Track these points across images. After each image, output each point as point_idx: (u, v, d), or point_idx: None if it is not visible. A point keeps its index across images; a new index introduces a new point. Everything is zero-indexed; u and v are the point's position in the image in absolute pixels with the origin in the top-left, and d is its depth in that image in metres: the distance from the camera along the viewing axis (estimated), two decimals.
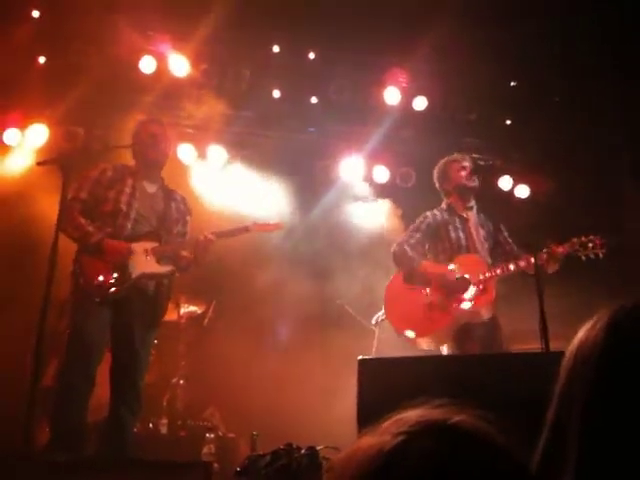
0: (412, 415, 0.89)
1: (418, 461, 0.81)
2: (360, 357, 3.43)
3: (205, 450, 4.57)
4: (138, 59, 6.50)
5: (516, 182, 7.59)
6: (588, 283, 5.39)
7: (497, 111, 7.35)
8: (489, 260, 5.02)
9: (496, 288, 4.84)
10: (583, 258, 4.72)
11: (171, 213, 4.68)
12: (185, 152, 7.05)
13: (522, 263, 4.76)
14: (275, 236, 6.78)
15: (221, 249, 5.80)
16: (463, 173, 5.18)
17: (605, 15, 5.87)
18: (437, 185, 5.38)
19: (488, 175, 7.49)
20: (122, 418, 4.30)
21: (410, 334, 4.84)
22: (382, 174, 7.56)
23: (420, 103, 7.10)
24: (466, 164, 5.23)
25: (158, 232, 4.55)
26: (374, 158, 7.49)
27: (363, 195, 7.53)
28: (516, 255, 4.94)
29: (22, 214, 6.21)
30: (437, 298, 4.86)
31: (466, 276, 4.83)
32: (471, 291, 4.79)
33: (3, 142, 6.64)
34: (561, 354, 1.18)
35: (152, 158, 4.70)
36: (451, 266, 4.91)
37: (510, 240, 5.19)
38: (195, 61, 6.64)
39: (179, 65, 6.56)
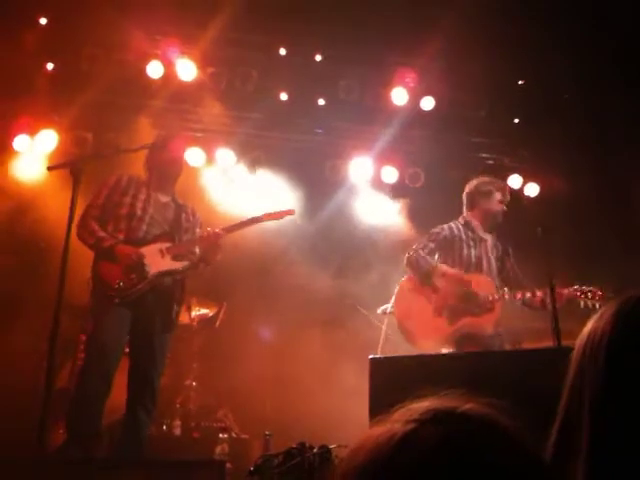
0: (421, 405, 0.89)
1: (431, 446, 0.81)
2: (371, 356, 3.44)
3: (218, 450, 4.59)
4: (146, 64, 6.53)
5: (526, 180, 7.58)
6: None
7: (505, 110, 7.34)
8: (497, 282, 5.12)
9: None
10: (582, 305, 4.84)
11: (181, 222, 4.75)
12: (194, 155, 7.07)
13: (539, 295, 4.87)
14: (284, 236, 6.82)
15: (231, 251, 5.83)
16: (501, 204, 5.28)
17: (615, 14, 5.86)
18: (466, 198, 5.41)
19: (497, 174, 7.56)
20: (139, 419, 4.35)
21: (411, 333, 4.94)
22: (391, 174, 7.56)
23: (428, 103, 7.09)
24: (507, 196, 5.32)
25: (172, 233, 4.62)
26: (382, 159, 7.50)
27: (372, 195, 7.53)
28: (520, 282, 5.07)
29: (34, 219, 6.27)
30: (445, 304, 4.95)
31: (480, 295, 4.92)
32: (479, 307, 4.90)
33: (13, 148, 6.68)
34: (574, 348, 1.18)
35: (168, 171, 4.79)
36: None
37: (515, 267, 5.28)
38: (203, 65, 6.67)
39: (187, 69, 6.59)
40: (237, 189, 7.13)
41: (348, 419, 4.73)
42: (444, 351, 4.89)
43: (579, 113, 6.81)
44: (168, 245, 4.53)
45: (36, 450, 3.50)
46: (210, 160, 7.15)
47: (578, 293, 4.82)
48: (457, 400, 0.90)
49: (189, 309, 6.22)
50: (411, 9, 5.99)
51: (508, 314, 5.34)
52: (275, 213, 4.88)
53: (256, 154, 7.27)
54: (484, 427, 0.85)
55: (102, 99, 6.47)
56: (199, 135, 7.16)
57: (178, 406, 5.86)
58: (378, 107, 7.13)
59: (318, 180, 7.41)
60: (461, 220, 5.32)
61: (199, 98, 6.86)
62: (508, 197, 5.35)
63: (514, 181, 7.59)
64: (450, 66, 6.92)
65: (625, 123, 6.72)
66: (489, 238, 5.29)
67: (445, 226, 5.27)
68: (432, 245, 5.15)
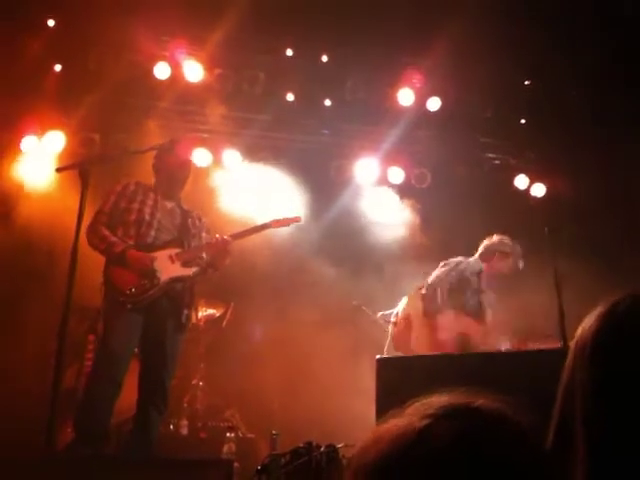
0: (436, 399, 0.90)
1: (447, 441, 0.82)
2: (378, 356, 3.45)
3: (225, 449, 4.60)
4: (153, 65, 6.56)
5: (532, 181, 7.58)
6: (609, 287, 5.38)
7: (512, 110, 7.33)
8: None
9: None
10: None
11: (189, 227, 4.78)
12: (201, 156, 7.10)
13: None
14: (291, 237, 6.83)
15: (238, 252, 5.85)
16: (511, 270, 5.52)
17: (620, 14, 5.86)
18: (484, 249, 5.61)
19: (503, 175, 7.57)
20: (150, 418, 4.38)
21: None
22: (397, 175, 7.57)
23: (434, 104, 7.10)
24: (519, 265, 5.52)
25: (181, 239, 4.64)
26: (389, 159, 7.50)
27: (379, 196, 7.54)
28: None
29: (42, 220, 6.29)
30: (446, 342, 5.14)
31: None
32: None
33: (21, 149, 6.72)
34: None
35: (176, 174, 4.81)
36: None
37: None
38: (209, 66, 6.69)
39: (194, 70, 6.61)
40: (243, 190, 7.14)
41: (354, 418, 4.76)
42: None
43: (585, 113, 6.80)
44: (178, 251, 4.55)
45: (44, 449, 3.53)
46: (217, 161, 7.16)
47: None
48: (470, 396, 0.91)
49: (196, 310, 6.24)
50: (417, 10, 5.99)
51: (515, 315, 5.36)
52: (283, 220, 4.94)
53: (263, 154, 7.28)
54: (498, 422, 0.86)
55: (110, 100, 6.50)
56: (206, 136, 7.18)
57: (185, 406, 5.89)
58: (384, 108, 7.14)
59: (324, 181, 7.42)
60: (477, 266, 5.48)
61: (206, 99, 6.89)
62: (520, 266, 5.53)
63: (520, 181, 7.58)
64: (456, 66, 6.93)
65: (631, 123, 6.71)
66: (490, 293, 5.51)
67: (464, 263, 5.44)
68: (453, 282, 5.30)
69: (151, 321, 4.45)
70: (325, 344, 5.97)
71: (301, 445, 3.56)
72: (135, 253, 4.41)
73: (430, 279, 5.34)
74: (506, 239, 5.65)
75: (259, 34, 6.56)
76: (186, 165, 4.92)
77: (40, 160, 6.71)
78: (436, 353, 5.09)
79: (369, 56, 6.86)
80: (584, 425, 1.06)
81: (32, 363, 5.55)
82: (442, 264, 5.46)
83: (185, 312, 4.60)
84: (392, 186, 7.63)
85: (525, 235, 6.06)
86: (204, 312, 6.38)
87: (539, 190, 7.53)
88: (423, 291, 5.30)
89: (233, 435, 4.79)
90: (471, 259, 5.53)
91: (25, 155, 6.75)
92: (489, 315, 5.35)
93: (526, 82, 7.15)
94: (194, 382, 6.07)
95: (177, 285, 4.53)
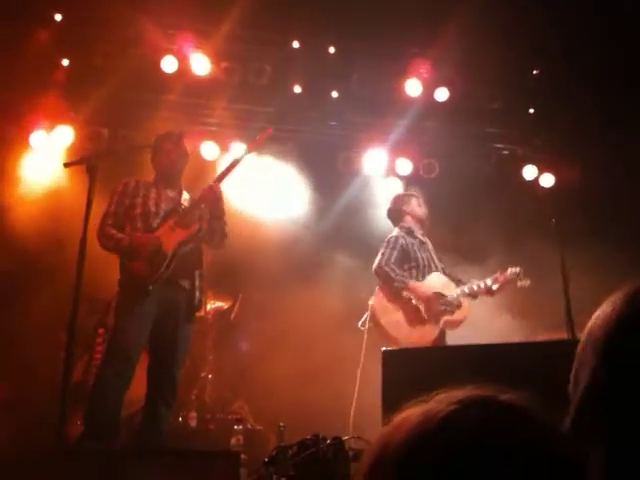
0: (460, 392, 0.90)
1: (473, 426, 0.82)
2: (384, 348, 3.46)
3: (233, 441, 4.62)
4: (160, 58, 6.56)
5: (541, 171, 7.55)
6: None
7: (520, 100, 7.30)
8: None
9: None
10: (518, 284, 5.39)
11: (182, 202, 4.82)
12: (208, 149, 7.11)
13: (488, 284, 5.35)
14: (300, 229, 6.84)
15: (247, 244, 5.87)
16: (420, 207, 5.82)
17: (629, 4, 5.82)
18: (391, 214, 5.92)
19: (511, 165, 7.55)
20: (158, 411, 4.41)
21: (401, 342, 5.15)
22: (405, 166, 7.56)
23: (442, 94, 7.07)
24: (421, 201, 5.85)
25: (175, 209, 4.68)
26: (397, 150, 7.49)
27: (387, 186, 7.53)
28: (456, 275, 5.59)
29: (51, 213, 6.34)
30: (426, 310, 5.27)
31: (448, 295, 5.32)
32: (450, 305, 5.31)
33: (30, 144, 6.75)
34: None
35: (169, 170, 4.86)
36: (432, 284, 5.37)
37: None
38: (216, 59, 6.69)
39: (200, 63, 6.61)
40: (250, 182, 7.14)
41: (361, 410, 4.77)
42: None
43: (594, 103, 6.76)
44: (175, 219, 4.61)
45: (55, 442, 3.56)
46: (224, 154, 7.17)
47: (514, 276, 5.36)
48: (493, 390, 0.90)
49: (204, 302, 6.25)
50: (424, 0, 5.97)
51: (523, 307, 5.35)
52: (257, 140, 5.05)
53: (270, 147, 7.27)
54: (523, 415, 0.85)
55: (117, 94, 6.51)
56: (213, 129, 7.20)
57: (194, 398, 5.91)
58: (392, 99, 7.11)
59: (332, 173, 7.42)
60: (402, 230, 5.63)
61: (213, 92, 6.89)
62: (422, 204, 5.85)
63: (529, 172, 7.56)
64: (464, 57, 6.90)
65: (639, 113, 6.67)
66: (427, 240, 5.70)
67: (397, 234, 5.59)
68: (396, 254, 5.44)
69: (164, 313, 4.48)
70: (333, 337, 5.98)
71: (308, 437, 3.58)
72: (140, 237, 4.47)
73: (374, 267, 5.43)
74: (398, 193, 6.24)
75: (265, 26, 6.56)
76: (181, 158, 4.91)
77: (49, 155, 6.74)
78: (442, 345, 5.11)
79: (376, 47, 6.83)
80: (599, 422, 1.03)
81: (42, 356, 5.59)
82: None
83: (195, 304, 4.64)
84: (400, 177, 7.62)
85: (533, 225, 6.05)
86: (212, 305, 6.40)
87: (547, 180, 7.51)
88: (376, 268, 5.39)
89: (241, 427, 4.81)
90: (392, 233, 5.68)
91: (34, 150, 6.79)
92: (434, 265, 5.53)
93: (534, 72, 7.11)
94: (203, 374, 6.09)
95: (185, 249, 4.56)
